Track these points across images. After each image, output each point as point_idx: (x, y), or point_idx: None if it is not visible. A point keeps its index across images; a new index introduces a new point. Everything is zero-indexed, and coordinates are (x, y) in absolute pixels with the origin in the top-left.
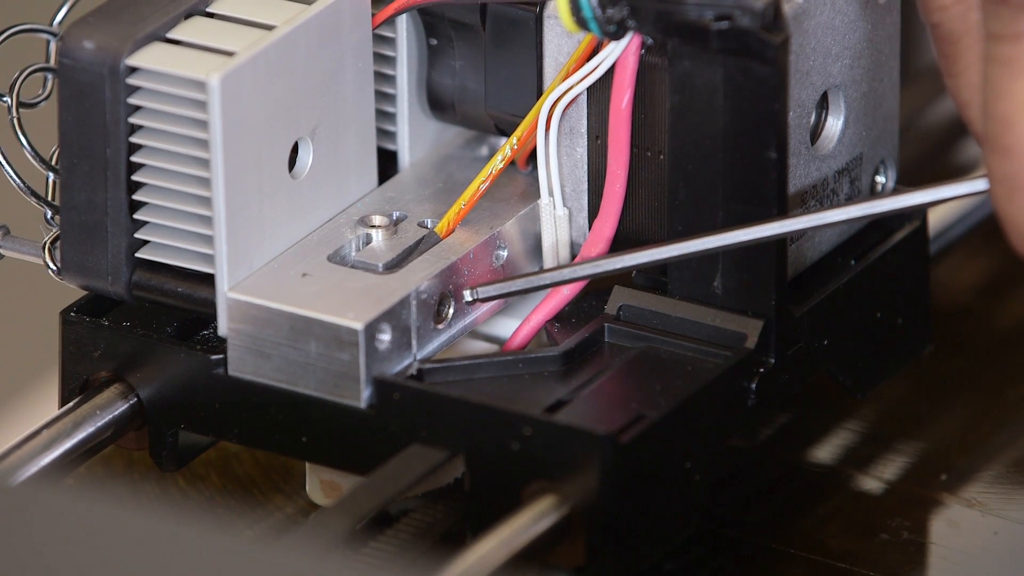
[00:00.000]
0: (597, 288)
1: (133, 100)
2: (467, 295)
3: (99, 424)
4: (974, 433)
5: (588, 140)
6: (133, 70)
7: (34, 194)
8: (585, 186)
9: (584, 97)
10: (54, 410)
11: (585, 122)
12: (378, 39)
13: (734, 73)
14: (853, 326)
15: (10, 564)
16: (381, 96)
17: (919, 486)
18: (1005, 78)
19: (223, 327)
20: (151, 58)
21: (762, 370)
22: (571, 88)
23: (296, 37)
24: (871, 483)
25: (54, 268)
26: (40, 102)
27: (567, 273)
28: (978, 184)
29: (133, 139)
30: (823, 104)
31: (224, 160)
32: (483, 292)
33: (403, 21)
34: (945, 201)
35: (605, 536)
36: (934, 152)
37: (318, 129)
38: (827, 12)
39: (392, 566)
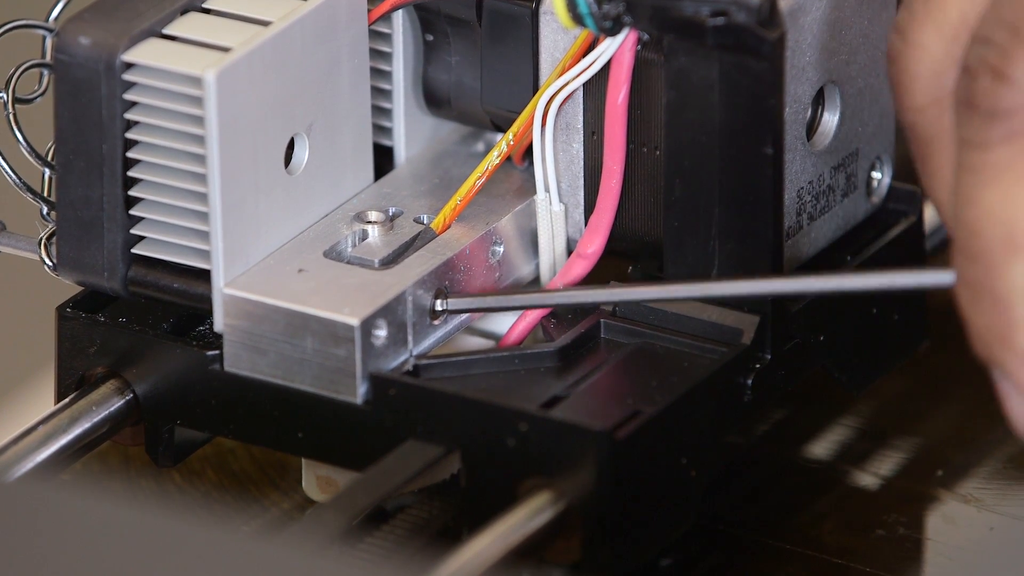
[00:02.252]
0: (594, 284)
1: (129, 96)
2: (438, 304)
3: (95, 420)
4: (970, 429)
5: (584, 136)
6: (129, 66)
7: (30, 190)
8: (581, 182)
9: (580, 93)
10: (50, 406)
11: (581, 118)
12: (374, 35)
13: (730, 69)
14: (849, 322)
15: (7, 560)
16: (377, 92)
17: (915, 482)
18: (974, 185)
19: (219, 323)
20: (147, 54)
21: (758, 366)
22: (567, 84)
23: (292, 33)
24: (867, 479)
25: (50, 264)
26: (36, 98)
27: (538, 298)
28: (945, 277)
29: (129, 135)
30: (819, 100)
31: (220, 156)
32: (453, 304)
33: (399, 17)
34: (908, 289)
35: (601, 532)
36: None
37: (314, 125)
38: (823, 7)
39: (388, 562)
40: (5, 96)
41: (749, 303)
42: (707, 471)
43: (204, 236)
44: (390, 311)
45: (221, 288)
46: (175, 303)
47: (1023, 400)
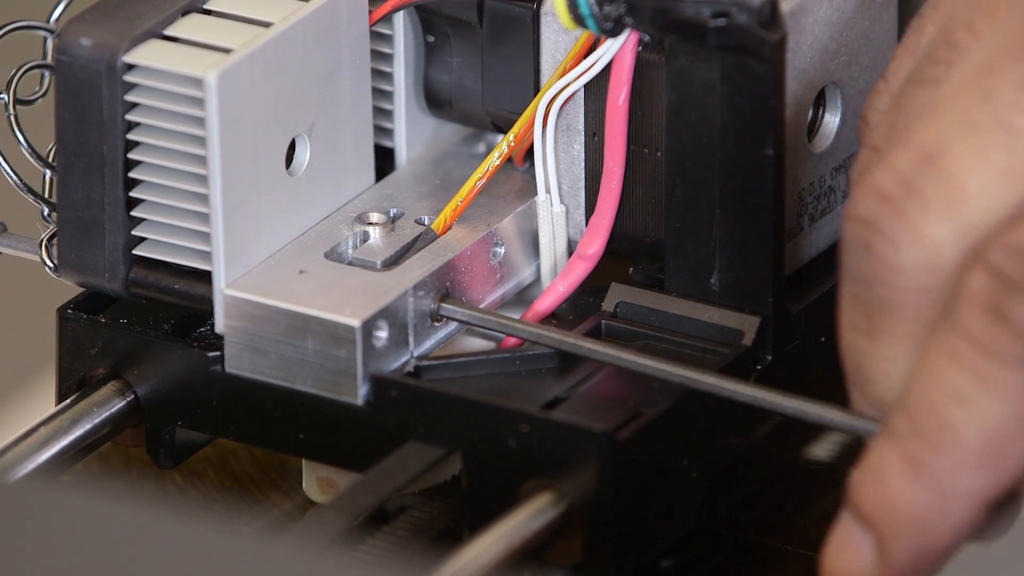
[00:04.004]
0: (594, 285)
1: (130, 97)
2: (442, 309)
3: (96, 421)
4: None
5: (585, 137)
6: (130, 67)
7: (31, 191)
8: (582, 183)
9: (581, 94)
10: (51, 407)
11: (582, 119)
12: (375, 36)
13: (731, 70)
14: None
15: (8, 561)
16: (378, 93)
17: None
18: (973, 391)
19: (220, 324)
20: (148, 55)
21: (759, 367)
22: (568, 85)
23: (293, 34)
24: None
25: (51, 265)
26: (37, 99)
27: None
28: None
29: (130, 136)
30: (820, 101)
31: (221, 157)
32: (446, 310)
33: (400, 18)
34: (835, 427)
35: (602, 533)
36: None
37: (315, 126)
38: (824, 9)
39: (389, 563)
40: (6, 97)
41: (750, 304)
42: (708, 472)
43: (205, 237)
44: (391, 312)
45: (222, 289)
46: (176, 304)
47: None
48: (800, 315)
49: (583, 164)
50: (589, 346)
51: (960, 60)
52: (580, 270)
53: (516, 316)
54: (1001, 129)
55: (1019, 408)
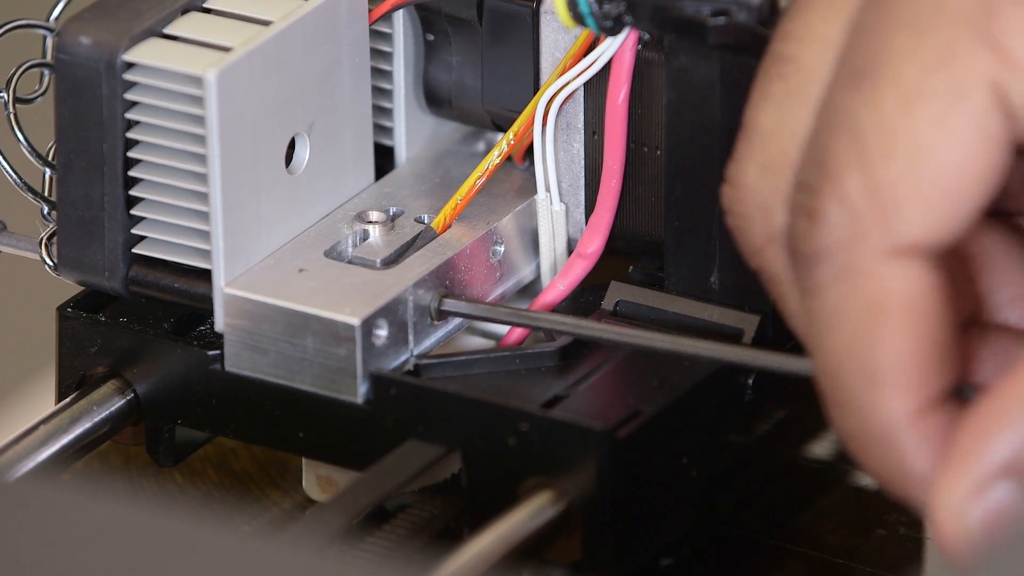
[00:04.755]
0: (594, 283)
1: (130, 96)
2: (444, 305)
3: (96, 420)
4: None
5: (585, 136)
6: (130, 66)
7: (31, 190)
8: (582, 182)
9: (581, 93)
10: (51, 406)
11: (582, 118)
12: (375, 35)
13: (731, 68)
14: None
15: (7, 560)
16: (378, 92)
17: None
18: (820, 335)
19: (220, 323)
20: (148, 54)
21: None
22: (568, 84)
23: (293, 33)
24: (869, 479)
25: (51, 264)
26: (37, 98)
27: (534, 318)
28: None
29: (130, 135)
30: None
31: (221, 156)
32: (449, 305)
33: (400, 17)
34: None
35: (602, 532)
36: None
37: (315, 125)
38: None
39: (389, 562)
40: (6, 96)
41: (750, 302)
42: (708, 470)
43: (205, 236)
44: (391, 311)
45: (222, 288)
46: (176, 303)
47: (952, 517)
48: None
49: (583, 162)
50: (596, 328)
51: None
52: (580, 268)
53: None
54: (773, 62)
55: (866, 319)
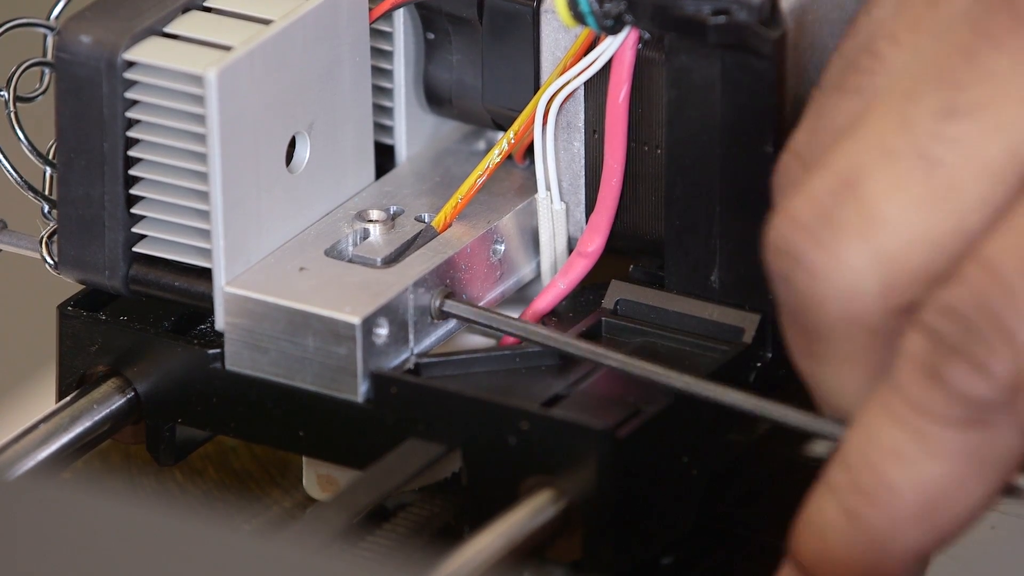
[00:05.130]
0: (594, 282)
1: (130, 94)
2: (446, 306)
3: (96, 418)
4: None
5: (585, 134)
6: (130, 64)
7: (31, 188)
8: (582, 180)
9: (581, 91)
10: (51, 404)
11: (582, 116)
12: (375, 33)
13: (731, 68)
14: None
15: (8, 558)
16: (378, 90)
17: None
18: (914, 451)
19: (220, 321)
20: (148, 52)
21: (759, 364)
22: (568, 83)
23: (293, 32)
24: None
25: (51, 262)
26: (37, 97)
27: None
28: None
29: (130, 133)
30: None
31: (221, 154)
32: (450, 307)
33: (400, 15)
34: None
35: (602, 531)
36: None
37: (315, 124)
38: (824, 7)
39: (389, 561)
40: (6, 95)
41: (750, 301)
42: (708, 470)
43: (205, 234)
44: (391, 310)
45: (222, 286)
46: (176, 301)
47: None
48: None
49: (583, 161)
50: (594, 350)
51: (880, 70)
52: (580, 267)
53: (515, 314)
54: (919, 158)
55: (955, 467)
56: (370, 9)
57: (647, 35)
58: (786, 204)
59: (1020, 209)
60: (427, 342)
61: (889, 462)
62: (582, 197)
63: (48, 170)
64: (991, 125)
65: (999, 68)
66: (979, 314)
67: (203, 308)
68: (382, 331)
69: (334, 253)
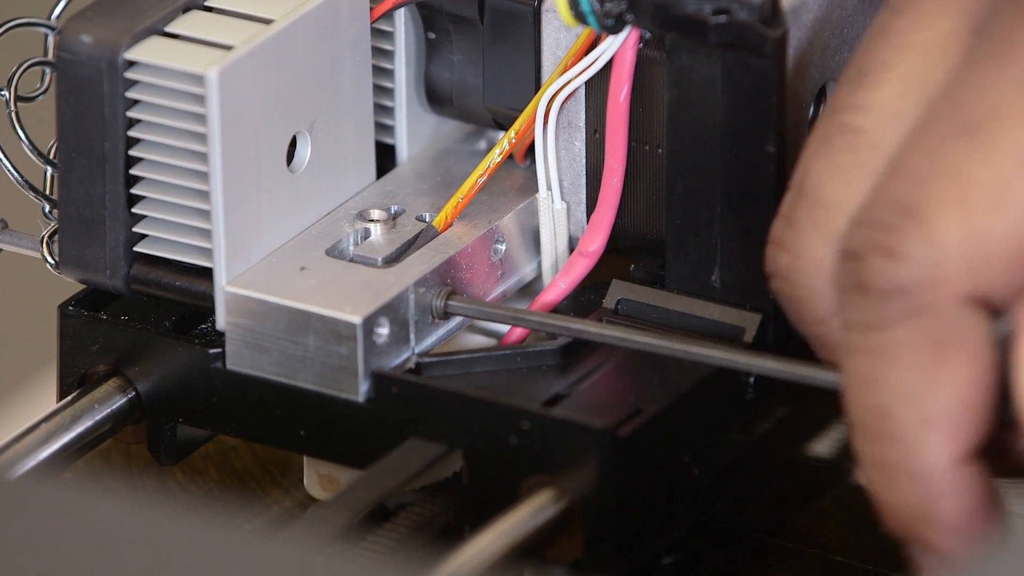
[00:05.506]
0: (595, 282)
1: (131, 94)
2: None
3: (97, 418)
4: None
5: (586, 134)
6: (131, 64)
7: (32, 188)
8: (583, 180)
9: (582, 91)
10: (52, 404)
11: (583, 116)
12: (376, 33)
13: (732, 67)
14: None
15: (9, 558)
16: (379, 90)
17: None
18: (877, 367)
19: (221, 321)
20: (149, 52)
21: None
22: (569, 82)
23: (294, 31)
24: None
25: (52, 262)
26: (38, 96)
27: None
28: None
29: (131, 133)
30: (821, 98)
31: (222, 154)
32: (453, 306)
33: (401, 15)
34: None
35: (603, 530)
36: None
37: (316, 123)
38: (825, 6)
39: (390, 560)
40: (7, 94)
41: (751, 300)
42: (709, 469)
43: (206, 234)
44: (392, 309)
45: (223, 286)
46: (177, 301)
47: (949, 570)
48: None
49: (584, 161)
50: (606, 332)
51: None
52: (581, 267)
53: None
54: (841, 132)
55: (931, 358)
56: (371, 8)
57: (648, 35)
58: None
59: (922, 131)
60: (428, 342)
61: (876, 393)
62: (583, 196)
63: (49, 170)
64: (897, 83)
65: (899, 27)
66: (883, 210)
67: (204, 308)
68: (383, 331)
69: (335, 253)
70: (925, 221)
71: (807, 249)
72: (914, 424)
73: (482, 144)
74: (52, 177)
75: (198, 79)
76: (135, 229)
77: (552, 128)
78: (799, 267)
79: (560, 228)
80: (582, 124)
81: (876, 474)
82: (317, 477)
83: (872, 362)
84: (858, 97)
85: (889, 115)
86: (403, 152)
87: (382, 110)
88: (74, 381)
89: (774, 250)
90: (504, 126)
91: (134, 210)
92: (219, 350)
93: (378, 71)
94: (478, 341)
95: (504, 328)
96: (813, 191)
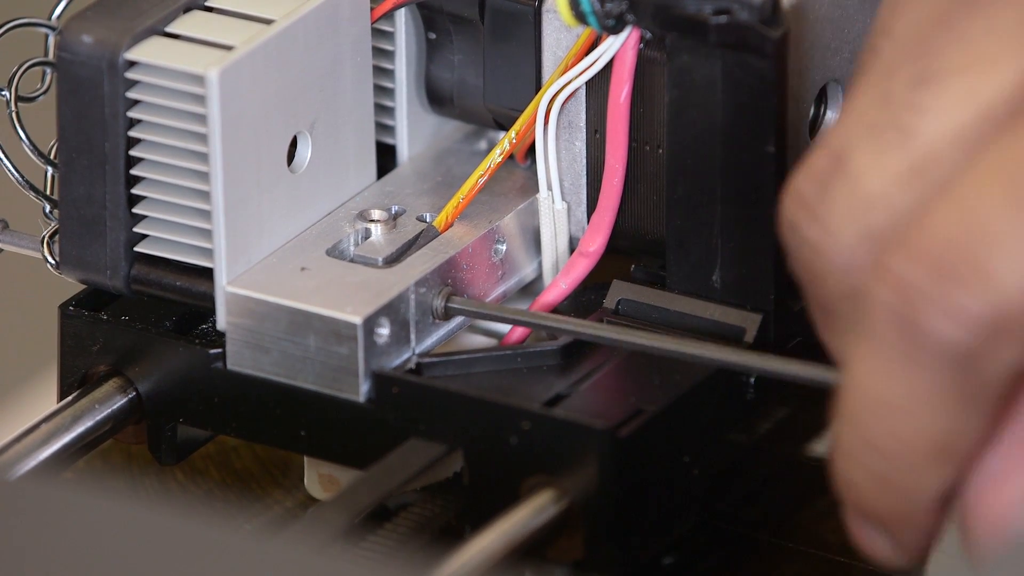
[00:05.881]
0: (596, 282)
1: (132, 94)
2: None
3: (98, 418)
4: None
5: (587, 134)
6: (132, 64)
7: (33, 188)
8: (584, 180)
9: (583, 91)
10: (53, 404)
11: (584, 116)
12: (376, 33)
13: (733, 67)
14: None
15: (9, 558)
16: (380, 90)
17: None
18: (883, 385)
19: (222, 321)
20: (150, 52)
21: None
22: (570, 82)
23: (295, 31)
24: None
25: (53, 262)
26: (39, 96)
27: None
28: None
29: (132, 133)
30: (822, 98)
31: (223, 154)
32: (453, 307)
33: (402, 15)
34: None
35: (604, 530)
36: None
37: (317, 123)
38: (826, 6)
39: (390, 560)
40: (8, 94)
41: (752, 301)
42: (709, 469)
43: (207, 234)
44: (392, 309)
45: (224, 286)
46: (178, 301)
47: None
48: (801, 312)
49: (584, 161)
50: (606, 332)
51: (874, 63)
52: (582, 267)
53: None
54: (896, 130)
55: (951, 409)
56: (372, 9)
57: (648, 35)
58: (794, 179)
59: (987, 154)
60: (428, 342)
61: (887, 415)
62: (583, 197)
63: (49, 170)
64: (962, 89)
65: (972, 31)
66: (949, 253)
67: (204, 308)
68: (383, 331)
69: (335, 253)
70: (991, 279)
71: (841, 235)
72: (902, 439)
73: (483, 144)
74: (52, 177)
75: (198, 79)
76: (136, 229)
77: (553, 128)
78: (827, 245)
79: (561, 228)
80: (583, 124)
81: (843, 451)
82: (318, 477)
83: (881, 379)
84: (918, 96)
85: (952, 128)
86: (404, 152)
87: (383, 110)
88: (74, 381)
89: (801, 213)
90: (504, 126)
91: (135, 210)
92: (220, 350)
93: (379, 71)
94: (479, 341)
95: (504, 328)
96: (856, 177)
